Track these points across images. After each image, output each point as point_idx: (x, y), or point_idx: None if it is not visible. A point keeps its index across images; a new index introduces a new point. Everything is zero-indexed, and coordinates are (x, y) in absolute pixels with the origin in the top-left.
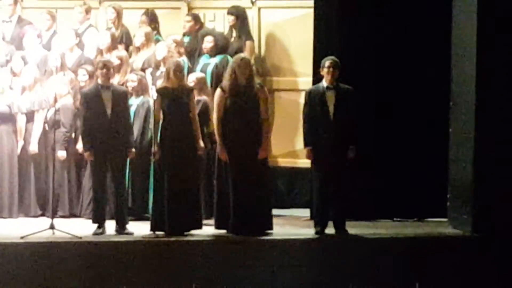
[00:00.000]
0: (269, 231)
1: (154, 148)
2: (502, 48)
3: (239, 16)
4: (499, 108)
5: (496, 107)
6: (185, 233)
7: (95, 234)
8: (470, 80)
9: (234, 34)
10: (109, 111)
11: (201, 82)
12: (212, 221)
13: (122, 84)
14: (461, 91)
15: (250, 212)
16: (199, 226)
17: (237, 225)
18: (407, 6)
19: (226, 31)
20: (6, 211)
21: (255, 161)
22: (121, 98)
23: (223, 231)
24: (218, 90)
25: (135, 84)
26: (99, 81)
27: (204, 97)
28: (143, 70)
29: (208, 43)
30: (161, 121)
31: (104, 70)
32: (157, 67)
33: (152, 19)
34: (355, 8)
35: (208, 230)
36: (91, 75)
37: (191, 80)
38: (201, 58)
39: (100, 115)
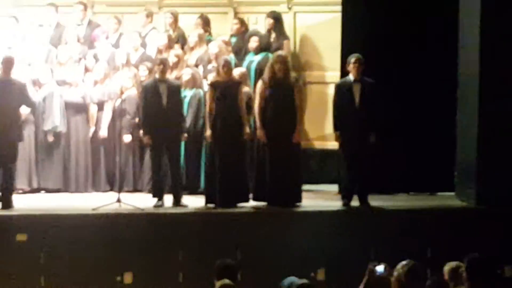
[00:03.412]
0: (299, 203)
1: (207, 132)
2: (504, 45)
3: (277, 19)
4: (499, 96)
5: (497, 96)
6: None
7: (155, 206)
8: (474, 74)
9: (273, 35)
10: (164, 102)
11: (243, 76)
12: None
13: (178, 78)
14: (467, 83)
15: (284, 186)
16: (247, 199)
17: (273, 197)
18: (420, 12)
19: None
20: (81, 187)
21: (290, 143)
22: (175, 91)
23: (260, 203)
24: (260, 82)
25: (189, 77)
26: (157, 75)
27: (247, 89)
28: (196, 66)
29: (254, 42)
30: (213, 110)
31: (161, 66)
32: (209, 62)
33: (205, 22)
34: (378, 12)
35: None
36: (150, 71)
37: (235, 74)
38: (247, 56)
39: (157, 105)
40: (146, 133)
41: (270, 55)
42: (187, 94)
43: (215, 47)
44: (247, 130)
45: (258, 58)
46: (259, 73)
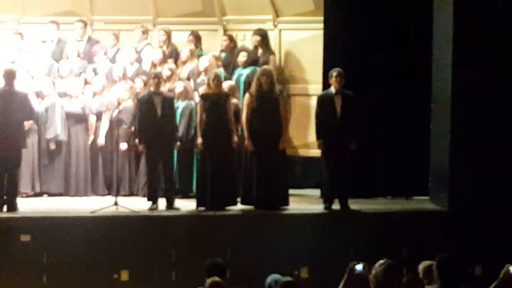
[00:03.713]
0: (286, 207)
1: (198, 141)
2: (475, 57)
3: (264, 36)
4: (470, 109)
5: (468, 108)
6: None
7: (150, 209)
8: (447, 87)
9: (260, 50)
10: (159, 113)
11: (232, 88)
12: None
13: (171, 90)
14: (440, 96)
15: (270, 191)
16: (235, 203)
17: (260, 201)
18: (397, 27)
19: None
20: (81, 191)
21: (276, 151)
22: (168, 102)
23: (248, 206)
24: (247, 95)
25: (181, 90)
26: (152, 88)
27: (235, 101)
28: (188, 79)
29: (242, 57)
30: (204, 120)
31: (156, 79)
32: (199, 75)
33: (196, 39)
34: (356, 30)
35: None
36: (145, 83)
37: (224, 87)
38: (237, 70)
39: (152, 115)
40: (141, 142)
41: (258, 69)
42: (179, 105)
43: (205, 61)
44: (235, 138)
45: (246, 71)
46: (248, 85)
